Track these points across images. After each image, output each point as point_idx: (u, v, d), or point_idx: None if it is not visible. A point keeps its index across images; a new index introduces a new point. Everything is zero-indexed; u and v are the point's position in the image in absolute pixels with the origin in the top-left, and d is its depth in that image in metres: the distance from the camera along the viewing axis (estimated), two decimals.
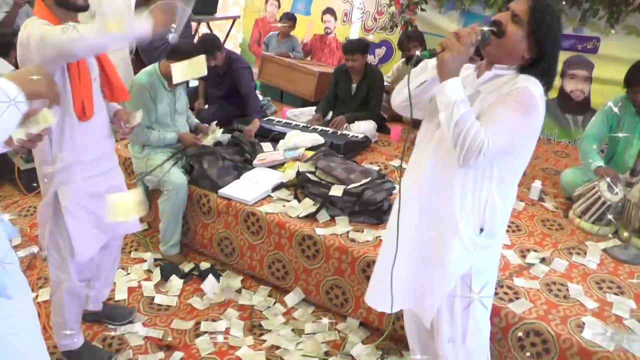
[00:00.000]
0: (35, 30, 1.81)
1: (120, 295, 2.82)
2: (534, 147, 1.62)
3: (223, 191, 3.02)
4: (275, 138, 3.65)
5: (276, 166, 3.30)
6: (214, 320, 2.65)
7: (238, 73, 3.95)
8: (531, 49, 1.55)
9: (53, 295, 2.26)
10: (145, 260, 3.12)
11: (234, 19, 5.85)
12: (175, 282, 2.95)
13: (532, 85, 1.52)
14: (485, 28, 1.52)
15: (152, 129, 3.13)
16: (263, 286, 2.94)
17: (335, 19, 5.31)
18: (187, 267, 3.08)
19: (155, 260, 3.14)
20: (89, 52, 1.94)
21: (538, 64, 1.56)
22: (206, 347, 2.46)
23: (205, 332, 2.56)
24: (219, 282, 2.95)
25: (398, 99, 1.71)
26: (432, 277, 1.73)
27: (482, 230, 1.66)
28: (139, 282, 2.94)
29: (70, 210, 2.07)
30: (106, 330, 2.57)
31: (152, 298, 2.83)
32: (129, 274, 3.01)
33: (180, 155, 3.20)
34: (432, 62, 1.57)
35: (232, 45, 6.50)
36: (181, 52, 2.92)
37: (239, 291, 2.91)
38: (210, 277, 2.95)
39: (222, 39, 5.66)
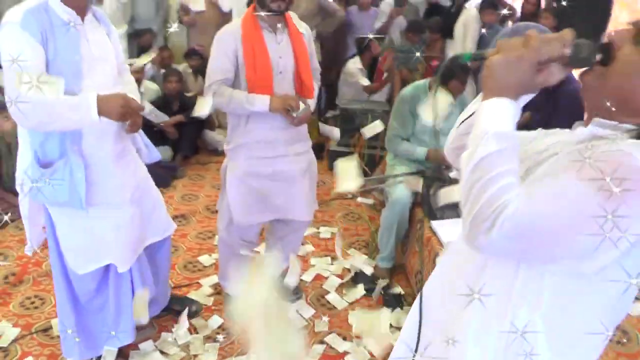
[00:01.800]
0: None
1: (306, 276, 3.06)
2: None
3: (434, 223, 2.79)
4: None
5: None
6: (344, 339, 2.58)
7: (565, 97, 3.31)
8: None
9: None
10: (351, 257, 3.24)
11: None
12: (358, 290, 2.96)
13: None
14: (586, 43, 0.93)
15: (408, 141, 3.14)
16: None
17: None
18: (382, 283, 3.03)
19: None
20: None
21: None
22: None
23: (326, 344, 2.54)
24: (391, 312, 2.80)
25: (448, 140, 1.21)
26: None
27: None
28: (332, 274, 3.10)
29: (231, 182, 2.45)
30: None
31: (327, 293, 2.94)
32: (332, 264, 3.21)
33: (421, 174, 3.09)
34: None
35: None
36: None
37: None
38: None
39: None
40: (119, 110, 1.79)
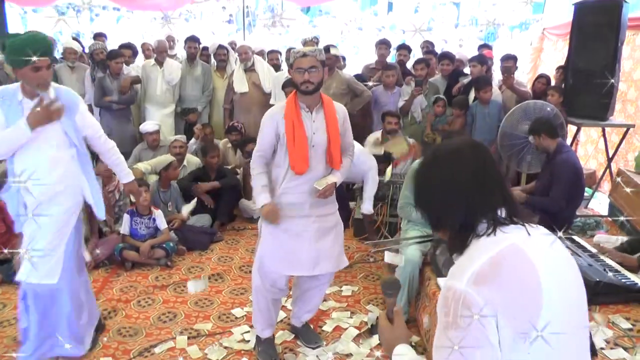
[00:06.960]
0: None
1: (327, 327, 3.59)
2: None
3: (439, 279, 3.32)
4: None
5: None
6: None
7: (556, 165, 4.00)
8: None
9: None
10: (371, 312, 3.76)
11: (628, 127, 5.34)
12: (374, 340, 3.46)
13: None
14: None
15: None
16: None
17: None
18: None
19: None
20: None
21: None
22: None
23: None
24: None
25: None
26: None
27: None
28: (354, 327, 3.61)
29: (264, 235, 3.06)
30: (292, 344, 3.42)
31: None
32: (351, 318, 3.73)
33: (430, 238, 3.65)
34: None
35: (623, 161, 6.01)
36: None
37: None
38: None
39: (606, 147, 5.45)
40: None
